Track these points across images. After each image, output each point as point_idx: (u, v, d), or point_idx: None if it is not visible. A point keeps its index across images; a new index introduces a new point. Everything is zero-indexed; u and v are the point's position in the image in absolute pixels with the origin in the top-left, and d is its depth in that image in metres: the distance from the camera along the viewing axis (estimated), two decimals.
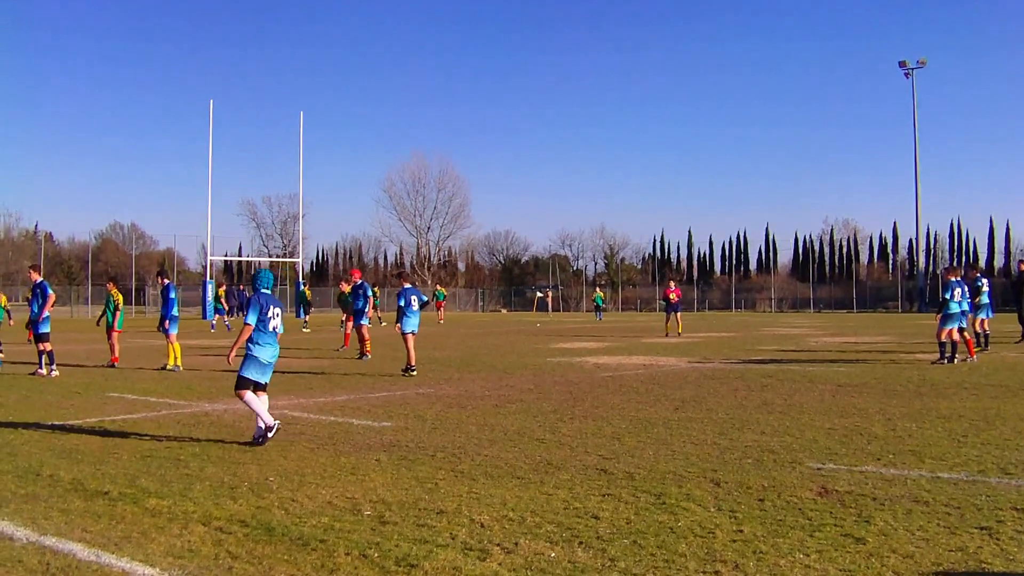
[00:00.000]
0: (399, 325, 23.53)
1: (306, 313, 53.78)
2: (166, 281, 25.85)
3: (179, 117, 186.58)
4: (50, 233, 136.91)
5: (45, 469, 10.77)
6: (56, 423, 14.62)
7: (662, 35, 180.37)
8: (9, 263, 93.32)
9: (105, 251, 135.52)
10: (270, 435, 12.36)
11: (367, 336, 28.87)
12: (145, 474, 10.48)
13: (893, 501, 8.93)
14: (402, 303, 23.74)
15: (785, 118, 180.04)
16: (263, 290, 12.97)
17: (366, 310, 28.87)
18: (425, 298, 25.31)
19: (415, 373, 22.65)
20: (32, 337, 23.80)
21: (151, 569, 6.92)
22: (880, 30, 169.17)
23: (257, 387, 12.65)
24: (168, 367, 24.37)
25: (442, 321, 66.23)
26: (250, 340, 12.72)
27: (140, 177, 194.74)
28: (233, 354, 12.98)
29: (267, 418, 12.45)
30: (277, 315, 12.93)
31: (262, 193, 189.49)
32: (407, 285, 24.45)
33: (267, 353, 12.75)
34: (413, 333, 23.37)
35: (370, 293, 29.55)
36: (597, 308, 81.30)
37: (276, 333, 12.91)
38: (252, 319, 12.72)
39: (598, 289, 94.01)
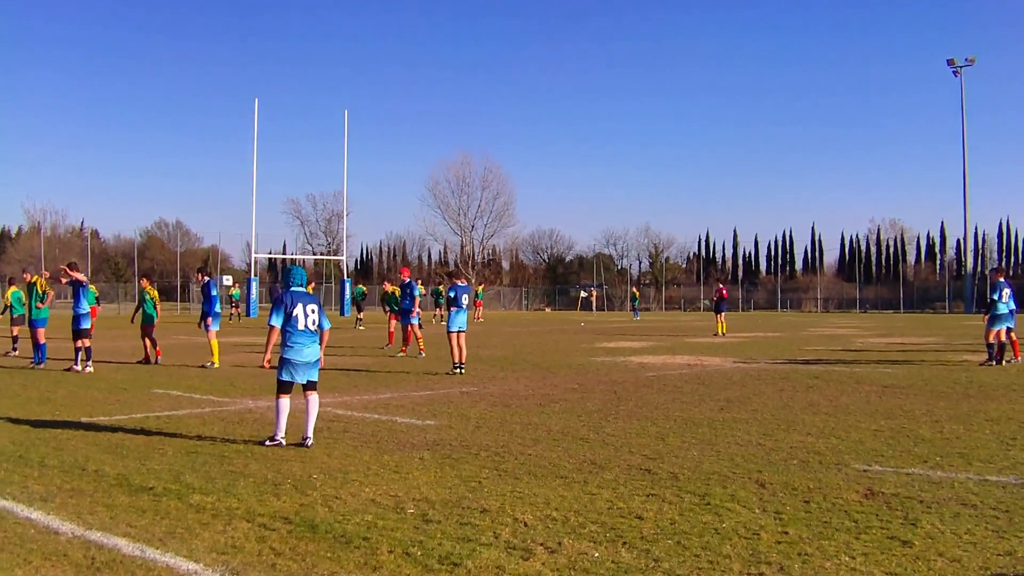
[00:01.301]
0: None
1: (360, 311, 54.00)
2: (207, 278, 25.95)
3: (224, 115, 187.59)
4: (96, 230, 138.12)
5: (91, 464, 10.83)
6: (102, 419, 14.70)
7: (708, 30, 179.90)
8: (56, 261, 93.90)
9: (150, 248, 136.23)
10: (268, 444, 12.26)
11: (419, 335, 28.91)
12: (189, 470, 10.52)
13: (940, 504, 8.87)
14: (452, 295, 23.82)
15: (832, 116, 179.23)
16: (294, 288, 12.69)
17: (414, 308, 28.90)
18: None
19: (461, 372, 22.73)
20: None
21: (195, 564, 6.94)
22: (928, 26, 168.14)
23: (307, 388, 12.46)
24: (206, 364, 24.45)
25: (480, 319, 66.39)
26: (282, 342, 12.55)
27: (185, 175, 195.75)
28: (267, 358, 12.85)
29: (279, 431, 12.31)
30: (313, 311, 12.58)
31: (307, 191, 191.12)
32: (459, 283, 24.48)
33: (299, 354, 12.40)
34: (461, 331, 23.40)
35: (417, 292, 29.55)
36: (634, 307, 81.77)
37: (312, 331, 12.54)
38: (276, 321, 12.47)
39: (634, 289, 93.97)
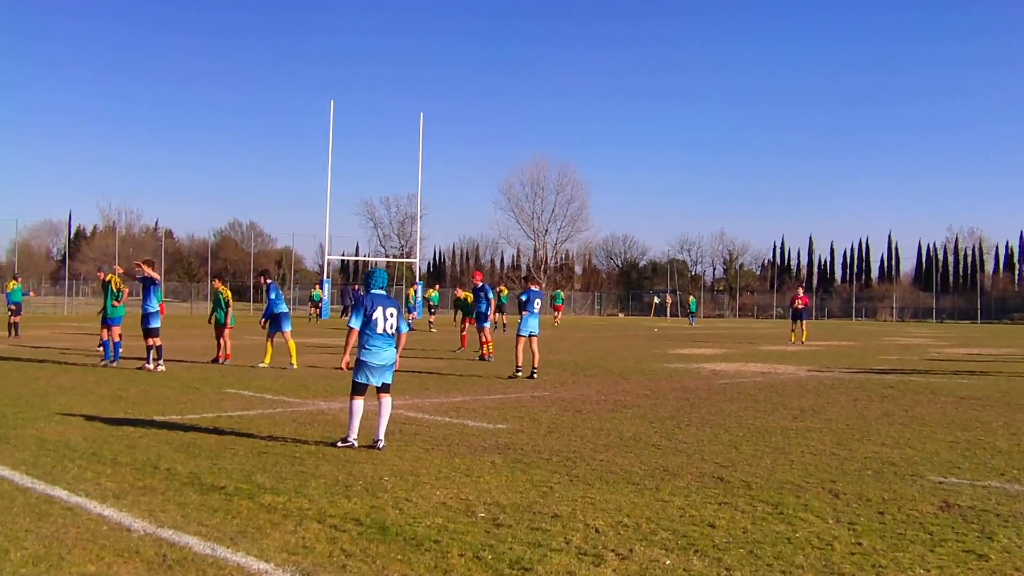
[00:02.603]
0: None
1: (432, 313, 54.45)
2: (268, 281, 26.07)
3: (299, 117, 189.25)
4: (170, 230, 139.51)
5: (163, 462, 10.91)
6: (174, 417, 14.81)
7: (784, 34, 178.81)
8: (130, 260, 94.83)
9: (224, 249, 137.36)
10: (340, 445, 12.28)
11: (489, 338, 28.97)
12: (261, 470, 10.57)
13: (1017, 518, 8.75)
14: (525, 299, 23.91)
15: (910, 122, 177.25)
16: (375, 291, 12.73)
17: (488, 312, 28.97)
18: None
19: (534, 376, 22.84)
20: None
21: (266, 564, 6.97)
22: (1009, 31, 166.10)
23: (381, 390, 12.46)
24: (256, 365, 24.59)
25: (558, 323, 66.83)
26: (359, 344, 12.54)
27: (259, 176, 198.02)
28: (346, 360, 12.86)
29: (351, 433, 12.30)
30: (392, 315, 12.55)
31: (380, 193, 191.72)
32: (532, 288, 24.53)
33: (376, 356, 12.40)
34: (533, 335, 23.47)
35: (491, 295, 29.58)
36: (690, 313, 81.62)
37: (389, 335, 12.54)
38: (355, 322, 12.48)
39: (691, 295, 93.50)
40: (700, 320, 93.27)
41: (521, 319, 23.82)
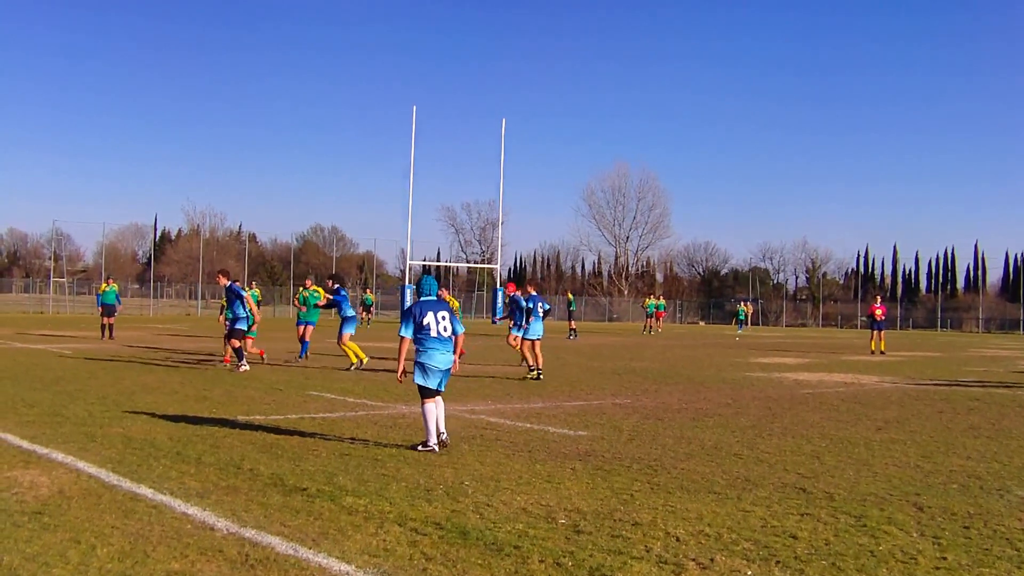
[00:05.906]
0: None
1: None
2: (336, 285, 26.53)
3: (382, 123, 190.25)
4: (254, 234, 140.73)
5: (246, 463, 11.00)
6: (258, 418, 14.94)
7: (867, 35, 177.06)
8: (214, 263, 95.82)
9: (306, 252, 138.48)
10: (421, 449, 12.28)
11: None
12: (343, 472, 10.62)
13: None
14: (531, 306, 24.46)
15: (997, 127, 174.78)
16: (424, 297, 12.84)
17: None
18: (548, 306, 25.79)
19: (539, 377, 23.58)
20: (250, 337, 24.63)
21: (347, 566, 7.00)
22: None
23: (434, 392, 12.54)
24: (351, 367, 24.81)
25: (660, 330, 68.89)
26: (418, 349, 12.56)
27: (343, 181, 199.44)
28: (401, 369, 12.88)
29: (431, 437, 12.32)
30: (443, 318, 12.64)
31: (462, 199, 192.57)
32: (533, 293, 25.04)
33: (433, 359, 12.44)
34: (538, 339, 24.14)
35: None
36: (739, 321, 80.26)
37: (446, 338, 12.58)
38: (406, 331, 12.56)
39: (742, 304, 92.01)
40: (786, 329, 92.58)
41: (528, 324, 24.33)
